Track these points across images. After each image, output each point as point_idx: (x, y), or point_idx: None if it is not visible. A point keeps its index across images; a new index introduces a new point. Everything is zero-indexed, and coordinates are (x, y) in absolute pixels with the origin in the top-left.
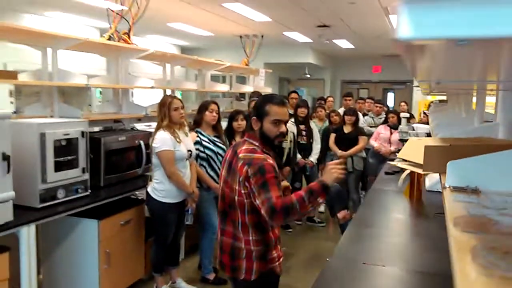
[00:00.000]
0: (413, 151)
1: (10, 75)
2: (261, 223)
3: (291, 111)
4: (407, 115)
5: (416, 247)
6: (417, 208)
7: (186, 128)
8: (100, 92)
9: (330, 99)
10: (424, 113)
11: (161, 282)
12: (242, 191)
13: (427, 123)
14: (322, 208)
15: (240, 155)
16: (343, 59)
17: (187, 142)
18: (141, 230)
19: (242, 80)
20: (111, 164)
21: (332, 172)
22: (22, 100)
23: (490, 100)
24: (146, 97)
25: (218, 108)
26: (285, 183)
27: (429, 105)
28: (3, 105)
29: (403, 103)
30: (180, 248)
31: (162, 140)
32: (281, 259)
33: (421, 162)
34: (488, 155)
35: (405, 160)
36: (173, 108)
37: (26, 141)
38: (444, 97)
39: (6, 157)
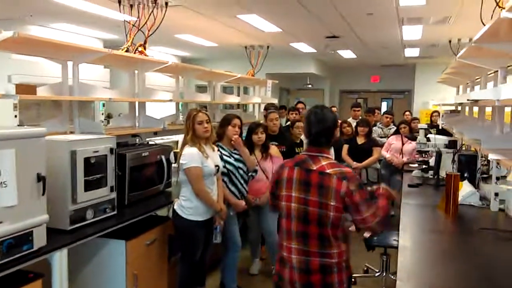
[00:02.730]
0: None
1: (29, 89)
2: (346, 235)
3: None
4: (425, 126)
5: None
6: (458, 223)
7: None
8: (103, 105)
9: (334, 109)
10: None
11: None
12: (340, 206)
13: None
14: None
15: (328, 170)
16: (342, 69)
17: (214, 157)
18: (165, 249)
19: (245, 91)
20: (134, 181)
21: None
22: (21, 113)
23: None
24: (156, 110)
25: (241, 123)
26: None
27: (432, 115)
28: (7, 118)
29: (407, 113)
30: (206, 268)
31: (190, 156)
32: None
33: None
34: None
35: None
36: (197, 122)
37: (56, 160)
38: (451, 107)
39: (41, 178)
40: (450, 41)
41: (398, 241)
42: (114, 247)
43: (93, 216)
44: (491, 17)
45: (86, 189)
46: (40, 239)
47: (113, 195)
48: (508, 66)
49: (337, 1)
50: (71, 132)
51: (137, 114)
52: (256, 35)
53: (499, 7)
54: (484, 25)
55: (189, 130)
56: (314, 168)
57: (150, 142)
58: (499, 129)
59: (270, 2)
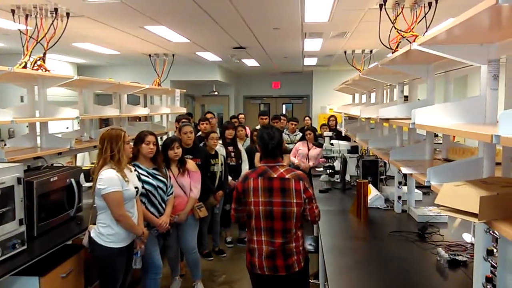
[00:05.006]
0: (454, 197)
1: None
2: (302, 224)
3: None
4: (330, 133)
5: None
6: (370, 227)
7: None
8: None
9: (242, 116)
10: (324, 125)
11: None
12: (301, 201)
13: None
14: None
15: (287, 176)
16: (246, 76)
17: (133, 178)
18: (81, 279)
19: (150, 100)
20: (43, 209)
21: None
22: None
23: None
24: (55, 125)
25: (156, 139)
26: (203, 213)
27: (329, 119)
28: None
29: (307, 118)
30: None
31: (109, 180)
32: None
33: (468, 209)
34: None
35: (446, 206)
36: (126, 142)
37: None
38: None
39: None
40: (345, 52)
41: (313, 245)
42: (27, 285)
43: (1, 254)
44: (389, 36)
45: None
46: None
47: (22, 228)
48: (405, 82)
49: (247, 16)
50: None
51: (38, 132)
52: (162, 44)
53: (395, 28)
54: (382, 42)
55: (120, 152)
56: (275, 175)
57: (55, 164)
58: (399, 139)
59: (181, 15)
